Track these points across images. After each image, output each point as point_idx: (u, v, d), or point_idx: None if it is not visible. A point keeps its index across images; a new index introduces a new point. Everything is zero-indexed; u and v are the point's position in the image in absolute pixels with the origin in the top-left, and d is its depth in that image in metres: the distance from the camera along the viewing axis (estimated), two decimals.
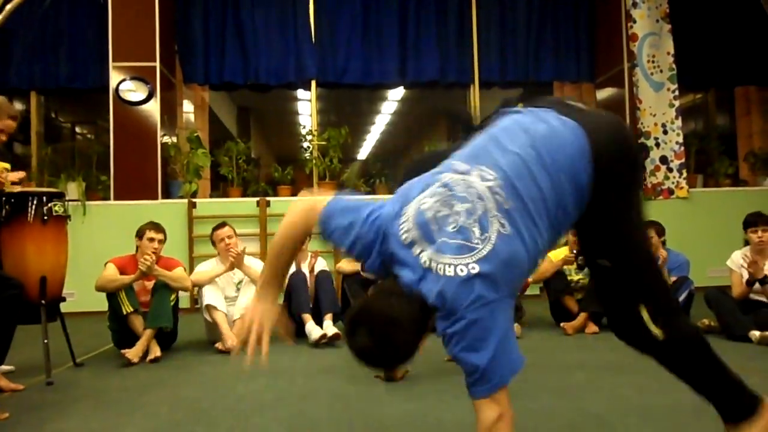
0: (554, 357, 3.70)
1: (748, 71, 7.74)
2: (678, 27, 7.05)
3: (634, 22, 6.97)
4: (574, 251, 4.58)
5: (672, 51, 6.99)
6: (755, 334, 3.87)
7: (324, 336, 4.08)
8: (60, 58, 6.91)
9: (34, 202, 3.31)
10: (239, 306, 4.23)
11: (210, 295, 4.20)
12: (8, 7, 2.76)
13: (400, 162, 15.16)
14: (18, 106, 7.16)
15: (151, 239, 4.05)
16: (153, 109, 6.48)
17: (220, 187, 7.40)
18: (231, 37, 7.10)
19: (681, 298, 4.31)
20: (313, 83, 7.28)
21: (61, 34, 6.91)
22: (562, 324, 4.53)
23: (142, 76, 6.45)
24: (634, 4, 6.99)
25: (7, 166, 3.33)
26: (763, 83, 7.81)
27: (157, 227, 4.13)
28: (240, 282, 4.39)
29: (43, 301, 3.32)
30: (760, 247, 4.12)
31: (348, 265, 4.70)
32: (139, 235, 4.11)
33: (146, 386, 3.18)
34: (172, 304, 4.01)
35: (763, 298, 4.07)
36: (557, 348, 4.03)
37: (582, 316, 4.47)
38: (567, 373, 3.22)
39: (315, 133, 7.17)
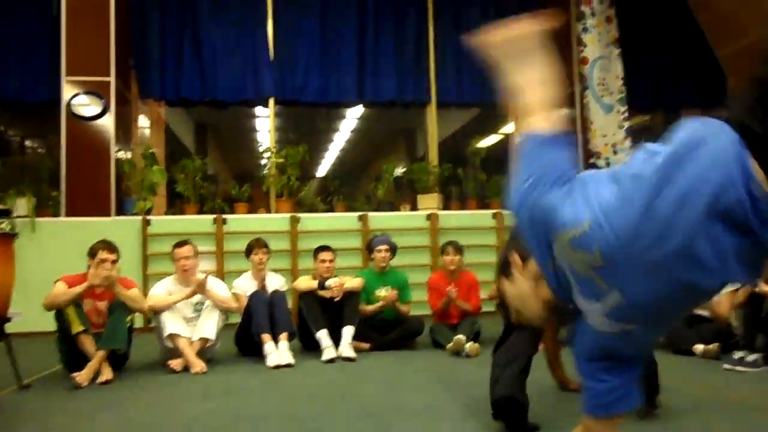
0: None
1: (694, 94, 8.07)
2: (627, 51, 7.32)
3: (585, 46, 7.21)
4: None
5: (621, 74, 7.25)
6: (699, 347, 4.01)
7: (279, 365, 4.05)
8: (10, 70, 6.74)
9: None
10: (200, 328, 4.17)
11: (171, 324, 4.10)
12: None
13: (358, 179, 15.26)
14: None
15: (104, 260, 3.95)
16: (107, 124, 6.38)
17: (176, 204, 7.31)
18: (189, 53, 7.05)
19: None
20: (272, 101, 7.28)
21: (11, 45, 6.74)
22: None
23: (96, 90, 6.34)
24: (585, 29, 7.23)
25: None
26: (707, 106, 8.14)
27: (109, 247, 4.03)
28: (199, 303, 4.31)
29: None
30: None
31: (305, 283, 4.69)
32: (92, 254, 4.01)
33: (96, 409, 3.10)
34: (128, 326, 3.93)
35: (706, 313, 4.22)
36: None
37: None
38: None
39: (273, 150, 7.16)
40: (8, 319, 3.48)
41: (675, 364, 3.95)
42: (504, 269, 2.44)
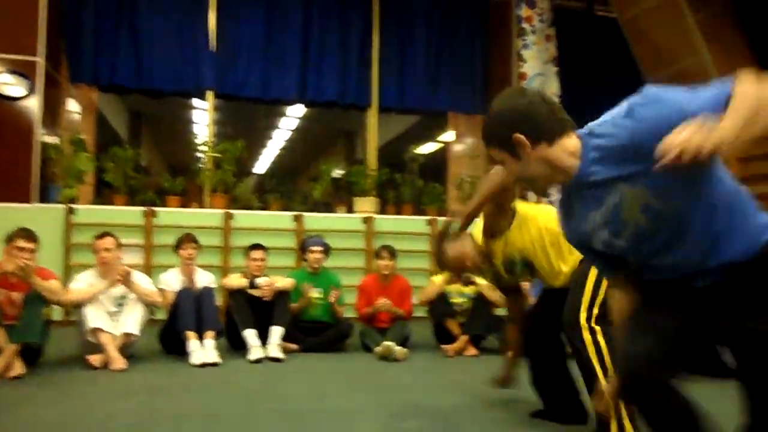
0: (435, 378, 3.81)
1: None
2: (564, 70, 7.56)
3: (525, 62, 7.40)
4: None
5: (557, 92, 7.48)
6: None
7: (204, 364, 3.96)
8: None
9: None
10: (122, 322, 4.02)
11: (94, 318, 3.93)
12: None
13: (296, 179, 15.13)
14: None
15: (21, 248, 3.76)
16: (32, 106, 6.09)
17: (104, 194, 7.04)
18: (125, 37, 6.81)
19: None
20: (210, 94, 7.13)
21: None
22: (443, 346, 4.67)
23: (21, 70, 6.05)
24: (525, 46, 7.43)
25: None
26: None
27: (28, 235, 3.83)
28: (122, 297, 4.16)
29: None
30: None
31: (234, 281, 4.61)
32: (8, 240, 3.82)
33: (4, 406, 2.94)
34: (44, 319, 3.75)
35: None
36: (438, 369, 4.15)
37: (463, 339, 4.63)
38: (443, 394, 3.33)
39: (210, 144, 7.01)
40: None
41: None
42: (441, 238, 2.58)
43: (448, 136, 8.62)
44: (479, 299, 4.79)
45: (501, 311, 4.98)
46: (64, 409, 2.90)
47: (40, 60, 6.14)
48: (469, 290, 4.89)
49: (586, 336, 2.34)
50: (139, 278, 4.25)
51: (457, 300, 4.87)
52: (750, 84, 1.34)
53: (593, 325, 2.35)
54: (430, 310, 4.91)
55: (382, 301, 4.77)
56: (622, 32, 7.37)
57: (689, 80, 6.20)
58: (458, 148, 8.45)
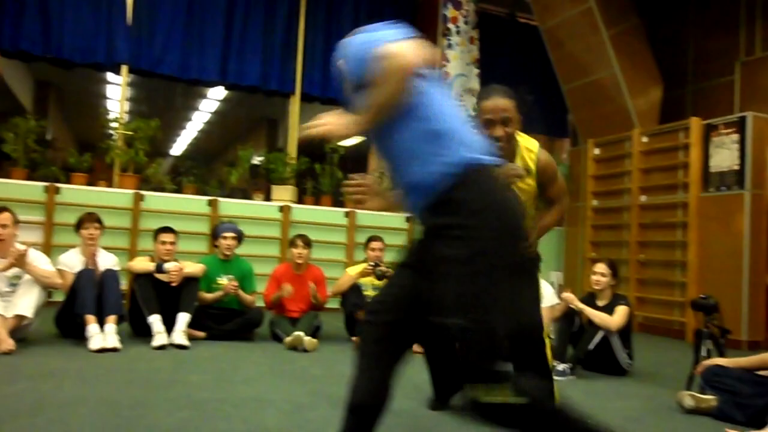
0: (344, 369, 3.81)
1: (540, 122, 8.68)
2: (485, 72, 7.73)
3: (448, 62, 7.53)
4: (372, 264, 4.77)
5: (476, 93, 7.66)
6: None
7: (103, 349, 3.80)
8: None
9: None
10: (14, 304, 3.79)
11: None
12: None
13: (213, 163, 14.74)
14: None
15: None
16: None
17: (2, 166, 6.59)
18: (33, 1, 6.39)
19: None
20: (124, 68, 6.80)
21: None
22: (354, 338, 4.69)
23: None
24: (449, 46, 7.56)
25: None
26: (550, 134, 8.80)
27: None
28: (16, 277, 3.92)
29: None
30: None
31: (141, 264, 4.44)
32: None
33: None
34: None
35: None
36: (348, 361, 4.16)
37: None
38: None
39: (121, 121, 6.71)
40: None
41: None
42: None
43: None
44: None
45: None
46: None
47: None
48: (381, 284, 4.93)
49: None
50: (37, 258, 4.02)
51: (369, 293, 4.90)
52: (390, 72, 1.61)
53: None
54: (342, 301, 4.92)
55: (286, 285, 4.71)
56: (541, 41, 7.63)
57: (601, 91, 6.53)
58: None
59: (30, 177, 6.08)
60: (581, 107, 7.69)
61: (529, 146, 2.49)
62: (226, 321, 4.66)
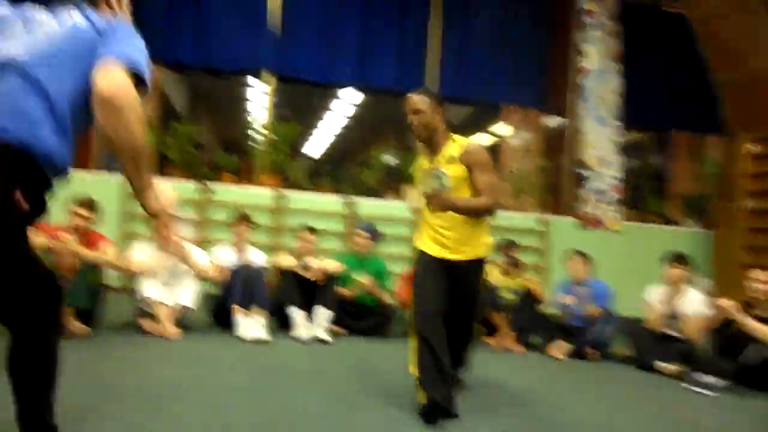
0: (478, 372, 3.81)
1: (687, 117, 8.14)
2: (628, 67, 7.37)
3: (585, 57, 7.25)
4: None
5: (619, 90, 7.31)
6: (662, 365, 4.09)
7: (251, 340, 4.06)
8: None
9: None
10: (177, 294, 4.19)
11: (149, 288, 4.10)
12: None
13: (348, 163, 15.21)
14: None
15: (78, 215, 3.92)
16: None
17: (162, 168, 7.21)
18: (189, 17, 6.94)
19: (603, 329, 4.49)
20: (268, 74, 7.21)
21: None
22: (486, 339, 4.66)
23: None
24: (587, 40, 7.26)
25: None
26: (698, 129, 8.23)
27: (86, 203, 3.98)
28: (177, 269, 4.29)
29: None
30: (675, 284, 4.36)
31: (285, 261, 4.69)
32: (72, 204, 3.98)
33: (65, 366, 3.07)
34: (96, 283, 3.91)
35: (675, 333, 4.30)
36: (479, 363, 4.14)
37: (508, 334, 4.61)
38: (485, 389, 3.33)
39: (266, 125, 7.11)
40: None
41: (636, 378, 4.03)
42: None
43: (501, 128, 8.52)
44: (527, 296, 4.75)
45: (548, 309, 4.95)
46: (119, 372, 3.03)
47: None
48: (517, 285, 4.86)
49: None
50: (195, 252, 4.37)
51: (505, 295, 4.85)
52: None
53: None
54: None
55: None
56: (690, 30, 7.13)
57: (759, 81, 5.97)
58: (511, 141, 8.35)
59: (185, 176, 6.62)
60: (735, 100, 7.10)
61: (459, 141, 2.90)
62: (361, 318, 4.80)
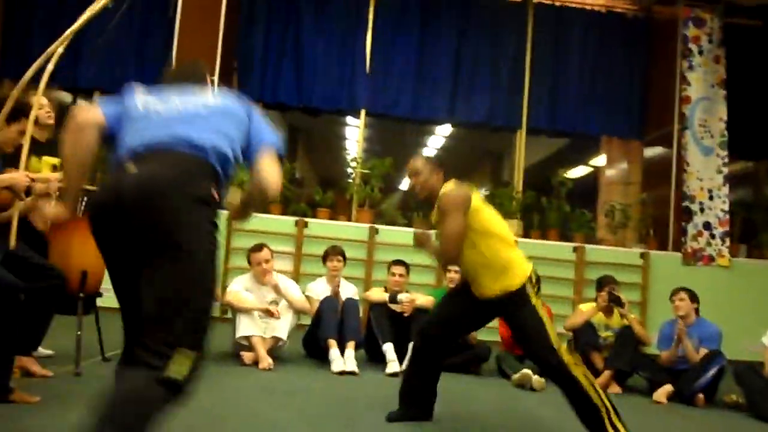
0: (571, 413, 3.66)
1: None
2: (733, 94, 7.00)
3: (689, 84, 6.96)
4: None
5: (725, 117, 6.94)
6: None
7: (343, 372, 4.12)
8: (126, 65, 7.21)
9: (84, 198, 3.43)
10: (272, 326, 4.32)
11: (245, 324, 4.26)
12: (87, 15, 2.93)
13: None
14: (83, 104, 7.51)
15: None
16: None
17: None
18: (289, 60, 7.32)
19: (711, 373, 4.19)
20: (363, 112, 7.43)
21: (125, 44, 7.20)
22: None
23: None
24: (690, 67, 6.98)
25: (54, 161, 3.45)
26: None
27: None
28: (273, 302, 4.44)
29: (81, 294, 3.45)
30: None
31: (376, 295, 4.75)
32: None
33: None
34: None
35: None
36: None
37: (606, 374, 4.41)
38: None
39: (359, 160, 7.30)
40: (100, 294, 3.70)
41: (751, 427, 3.73)
42: None
43: (600, 160, 8.28)
44: (625, 334, 4.53)
45: (648, 349, 4.70)
46: (217, 400, 3.16)
47: (215, 80, 6.75)
48: (615, 324, 4.66)
49: (576, 371, 2.72)
50: (289, 285, 4.52)
51: (603, 333, 4.65)
52: None
53: (570, 357, 2.76)
54: (574, 339, 4.74)
55: None
56: None
57: None
58: (610, 173, 8.07)
59: (283, 212, 6.88)
60: None
61: (443, 189, 3.06)
62: (454, 354, 4.74)
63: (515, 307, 2.87)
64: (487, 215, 3.00)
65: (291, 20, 7.36)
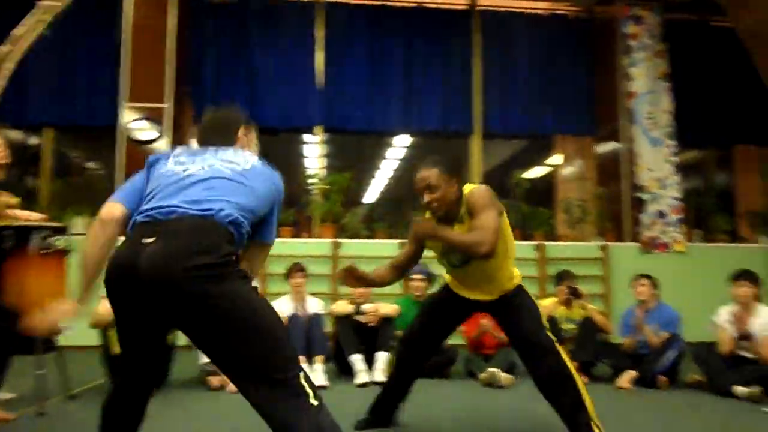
0: (542, 406, 3.73)
1: (747, 130, 7.88)
2: (678, 85, 7.24)
3: (633, 80, 7.18)
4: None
5: (670, 109, 7.18)
6: (739, 389, 3.89)
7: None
8: (76, 95, 7.14)
9: (36, 235, 3.41)
10: None
11: None
12: (24, 45, 2.94)
13: (403, 207, 15.33)
14: (33, 141, 7.41)
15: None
16: (162, 147, 6.66)
17: None
18: (241, 84, 7.34)
19: (671, 356, 4.32)
20: (319, 129, 7.48)
21: (76, 74, 7.15)
22: None
23: (153, 116, 6.66)
24: (632, 63, 7.20)
25: (11, 200, 3.43)
26: (762, 143, 7.94)
27: None
28: None
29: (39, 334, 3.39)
30: (744, 303, 4.17)
31: (341, 308, 4.78)
32: None
33: None
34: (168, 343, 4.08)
35: (749, 354, 4.10)
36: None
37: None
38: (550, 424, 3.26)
39: (318, 177, 7.33)
40: (59, 332, 3.65)
41: (713, 404, 3.85)
42: None
43: (556, 159, 8.46)
44: (587, 325, 4.65)
45: (609, 337, 4.82)
46: (190, 425, 3.14)
47: (167, 106, 6.74)
48: (577, 315, 4.77)
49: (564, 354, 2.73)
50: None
51: (565, 326, 4.75)
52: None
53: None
54: None
55: (484, 320, 4.73)
56: (740, 42, 6.96)
57: None
58: (566, 171, 8.27)
59: None
60: None
61: (465, 191, 2.74)
62: None
63: (517, 300, 2.88)
64: (506, 222, 2.82)
65: (242, 42, 7.39)
